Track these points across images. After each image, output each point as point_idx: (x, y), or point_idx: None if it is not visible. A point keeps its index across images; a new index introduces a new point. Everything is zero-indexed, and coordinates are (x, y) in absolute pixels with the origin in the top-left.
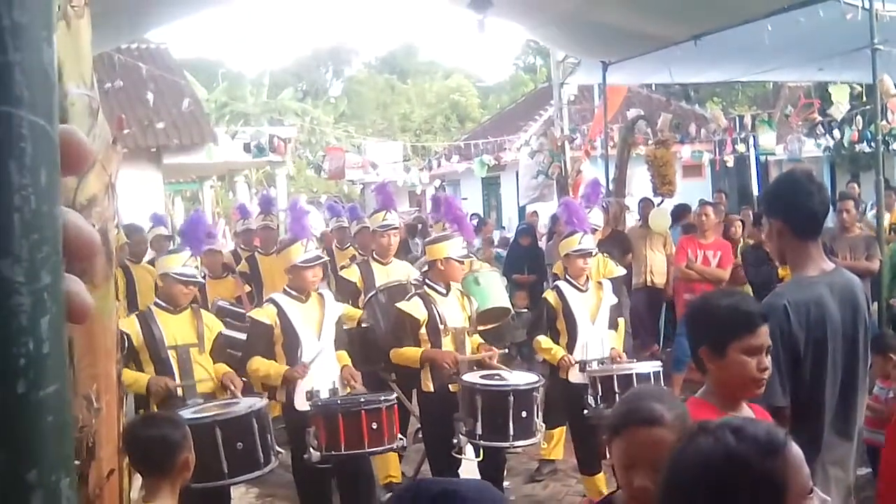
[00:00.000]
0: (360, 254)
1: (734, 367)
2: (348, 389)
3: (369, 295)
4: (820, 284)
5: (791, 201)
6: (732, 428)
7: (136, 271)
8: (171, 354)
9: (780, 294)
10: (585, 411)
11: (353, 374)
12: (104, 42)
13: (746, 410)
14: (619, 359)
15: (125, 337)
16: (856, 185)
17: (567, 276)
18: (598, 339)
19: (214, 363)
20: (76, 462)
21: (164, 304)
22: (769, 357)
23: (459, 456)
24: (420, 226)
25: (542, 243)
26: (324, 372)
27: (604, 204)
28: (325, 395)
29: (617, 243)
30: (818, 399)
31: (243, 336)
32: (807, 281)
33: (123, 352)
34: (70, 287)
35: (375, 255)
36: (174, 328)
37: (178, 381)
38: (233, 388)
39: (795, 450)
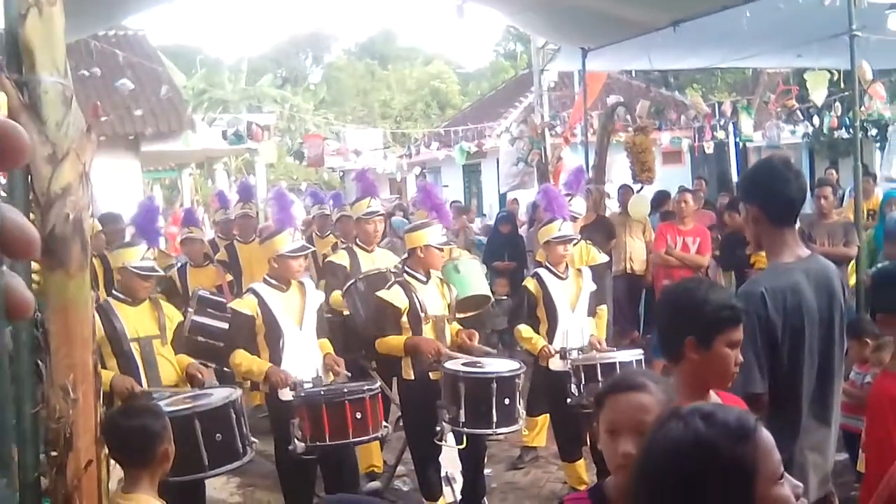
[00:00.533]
0: (341, 241)
1: (718, 360)
2: (332, 377)
3: (348, 284)
4: (796, 271)
5: (768, 188)
6: (703, 414)
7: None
8: (134, 347)
9: (756, 281)
10: (568, 399)
11: (336, 360)
12: (80, 29)
13: (714, 398)
14: (598, 346)
15: None
16: (833, 172)
17: (547, 264)
18: (578, 326)
19: (176, 354)
20: (53, 453)
21: (122, 296)
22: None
23: (441, 443)
24: (401, 213)
25: (524, 230)
26: (306, 360)
27: (586, 191)
28: (308, 383)
29: (601, 228)
30: (796, 385)
31: (223, 325)
32: (783, 267)
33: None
34: (8, 283)
35: (359, 243)
36: (135, 320)
37: (142, 373)
38: (200, 377)
39: (765, 435)
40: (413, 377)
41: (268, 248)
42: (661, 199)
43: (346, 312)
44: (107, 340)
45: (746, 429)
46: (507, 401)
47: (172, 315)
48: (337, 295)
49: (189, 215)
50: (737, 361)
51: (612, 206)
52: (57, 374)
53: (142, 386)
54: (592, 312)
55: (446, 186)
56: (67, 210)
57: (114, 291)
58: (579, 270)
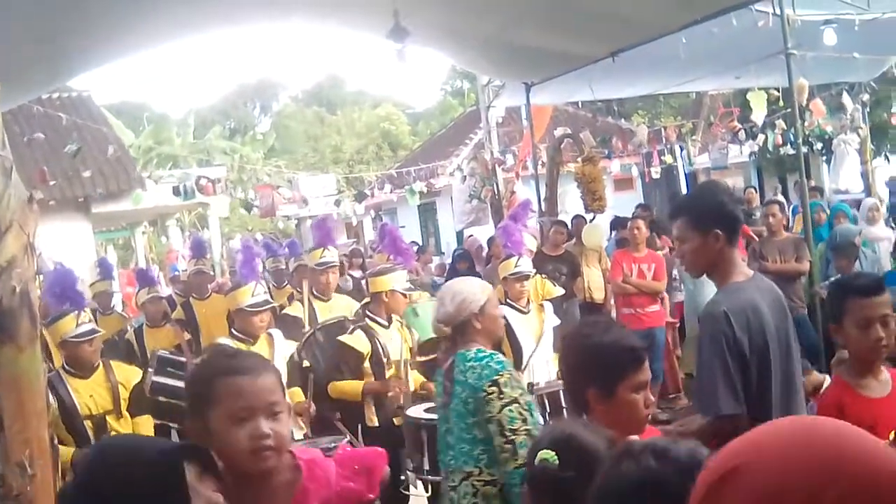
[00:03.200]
0: (297, 292)
1: (625, 407)
2: (301, 427)
3: (307, 335)
4: (750, 289)
5: (725, 211)
6: (655, 450)
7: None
8: (87, 425)
9: (716, 302)
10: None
11: (301, 410)
12: (23, 94)
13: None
14: None
15: None
16: (753, 191)
17: (508, 300)
18: (543, 360)
19: (133, 417)
20: None
21: (72, 369)
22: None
23: (407, 492)
24: (355, 259)
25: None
26: None
27: (539, 223)
28: None
29: (567, 263)
30: (766, 405)
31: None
32: (736, 286)
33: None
34: None
35: (315, 293)
36: (87, 394)
37: None
38: None
39: None
40: (377, 424)
41: (230, 301)
42: (619, 225)
43: (305, 364)
44: (59, 417)
45: (700, 464)
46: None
47: (127, 377)
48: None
49: (143, 275)
50: (647, 403)
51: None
52: (12, 451)
53: None
54: (558, 346)
55: (403, 227)
56: (13, 283)
57: (63, 364)
58: (541, 305)
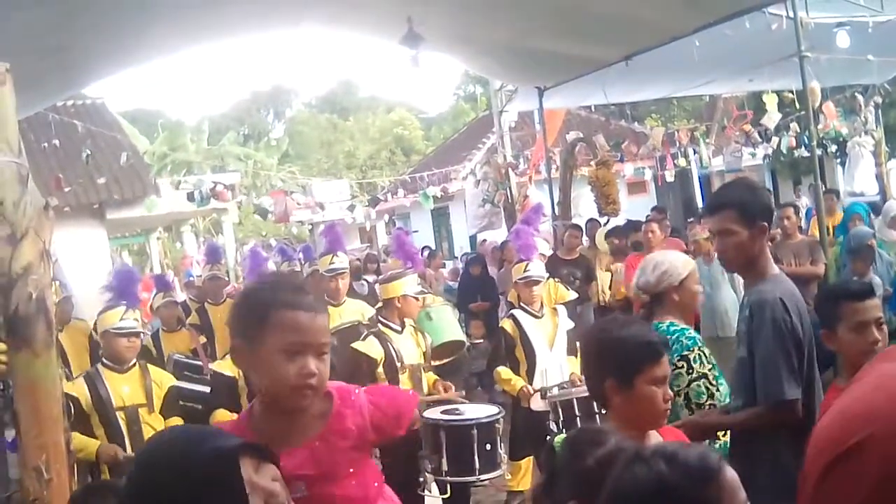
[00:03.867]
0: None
1: (642, 400)
2: None
3: None
4: (788, 280)
5: (769, 205)
6: (666, 455)
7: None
8: (120, 416)
9: (767, 290)
10: (548, 437)
11: None
12: (38, 101)
13: (655, 438)
14: (578, 383)
15: (74, 401)
16: (800, 188)
17: (521, 304)
18: (556, 364)
19: (166, 419)
20: None
21: (109, 363)
22: (669, 387)
23: (424, 493)
24: (370, 264)
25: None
26: None
27: (553, 227)
28: None
29: (581, 267)
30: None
31: (202, 388)
32: (780, 277)
33: (71, 417)
34: None
35: (327, 298)
36: (122, 388)
37: (127, 442)
38: None
39: (730, 475)
40: None
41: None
42: (631, 229)
43: None
44: (94, 410)
45: (710, 470)
46: (488, 446)
47: (162, 380)
48: None
49: (160, 280)
50: (665, 398)
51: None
52: (29, 456)
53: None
54: (572, 350)
55: (416, 232)
56: (30, 289)
57: (103, 359)
58: (555, 309)
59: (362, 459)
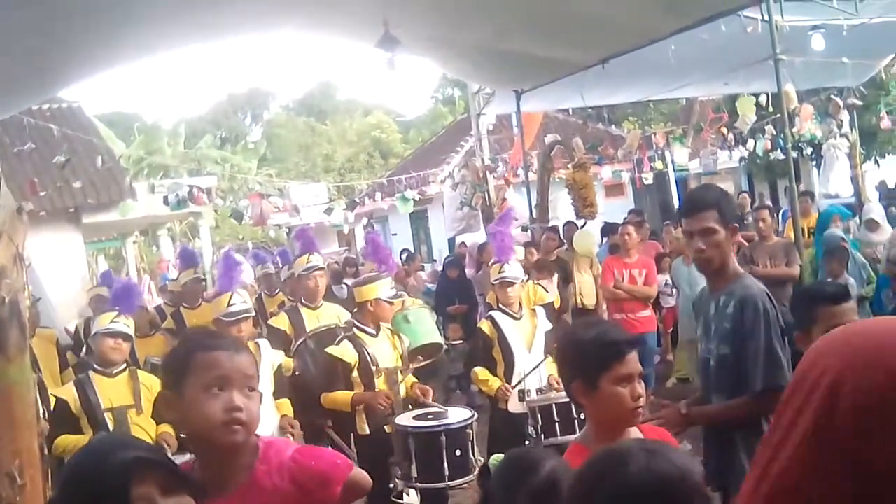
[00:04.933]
0: (289, 299)
1: (609, 399)
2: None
3: (298, 343)
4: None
5: (736, 209)
6: (647, 449)
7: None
8: (108, 417)
9: (751, 286)
10: (526, 441)
11: (291, 423)
12: (13, 105)
13: (634, 434)
14: (557, 385)
15: (63, 404)
16: (746, 195)
17: (500, 305)
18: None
19: (157, 424)
20: None
21: (99, 367)
22: (642, 384)
23: (399, 501)
24: (349, 268)
25: (471, 273)
26: (262, 423)
27: (530, 230)
28: None
29: (559, 270)
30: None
31: None
32: (750, 276)
33: (48, 422)
34: None
35: (304, 301)
36: (110, 391)
37: None
38: (166, 447)
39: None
40: (368, 432)
41: (210, 311)
42: (610, 231)
43: (294, 372)
44: (83, 412)
45: (691, 466)
46: (458, 452)
47: (152, 385)
48: (284, 360)
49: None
50: (634, 396)
51: None
52: (2, 461)
53: None
54: (550, 351)
55: (395, 235)
56: (3, 293)
57: (93, 364)
58: (534, 310)
59: None
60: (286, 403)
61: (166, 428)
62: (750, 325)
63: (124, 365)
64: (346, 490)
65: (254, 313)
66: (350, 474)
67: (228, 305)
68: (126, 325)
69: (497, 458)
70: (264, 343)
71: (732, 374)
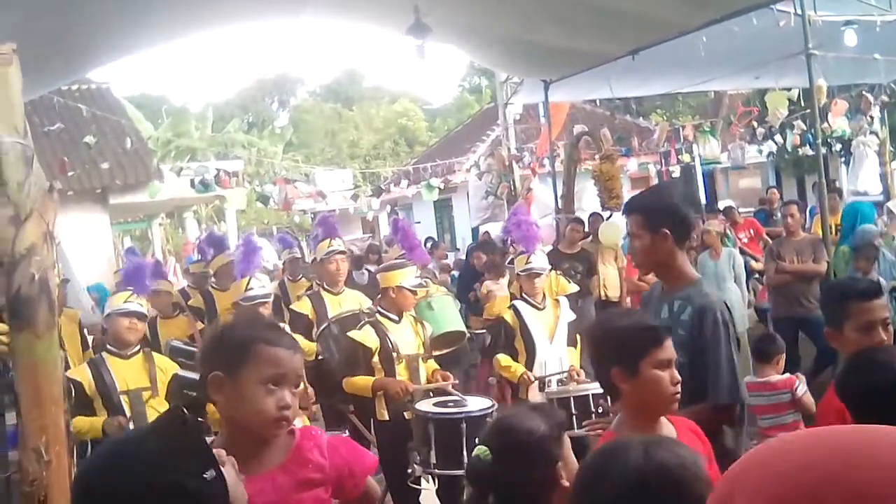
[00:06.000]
0: (316, 283)
1: (649, 384)
2: (302, 417)
3: (322, 327)
4: (707, 285)
5: (677, 213)
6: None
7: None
8: (124, 399)
9: (707, 294)
10: None
11: (301, 397)
12: (43, 85)
13: (666, 426)
14: (576, 376)
15: (77, 385)
16: (776, 191)
17: (523, 295)
18: (556, 357)
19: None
20: None
21: (114, 349)
22: (675, 369)
23: (417, 486)
24: (372, 254)
25: None
26: None
27: (555, 220)
28: None
29: (583, 261)
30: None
31: (196, 375)
32: (704, 283)
33: (71, 400)
34: None
35: (326, 286)
36: (125, 373)
37: (130, 425)
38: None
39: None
40: (388, 418)
41: (231, 295)
42: None
43: (317, 357)
44: (97, 394)
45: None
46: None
47: (166, 367)
48: (305, 343)
49: (156, 268)
50: (673, 381)
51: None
52: (29, 437)
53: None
54: (572, 342)
55: (418, 223)
56: (33, 270)
57: (107, 346)
58: (557, 300)
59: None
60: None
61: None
62: (710, 335)
63: (139, 346)
64: (366, 488)
65: (271, 297)
66: (371, 474)
67: (247, 289)
68: (140, 304)
69: (482, 449)
70: (285, 328)
71: (688, 384)
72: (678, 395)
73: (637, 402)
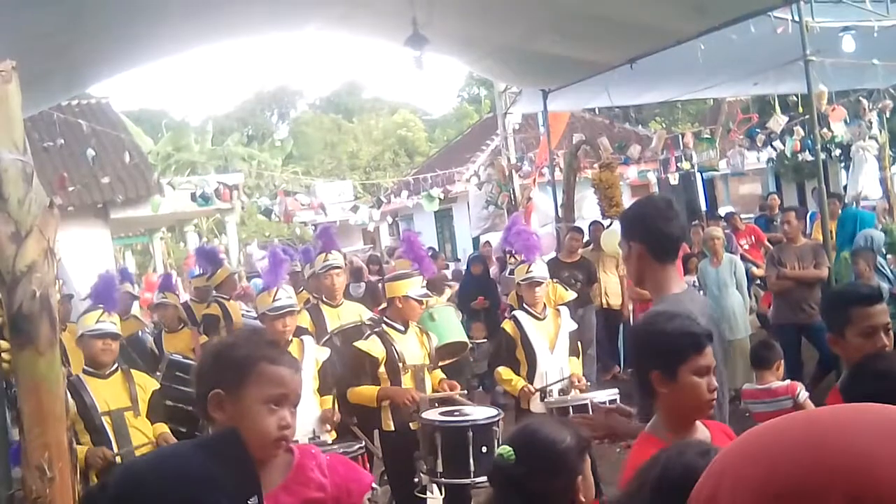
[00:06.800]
0: (314, 297)
1: (686, 390)
2: (330, 433)
3: (323, 340)
4: (685, 301)
5: (649, 226)
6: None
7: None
8: (106, 421)
9: (655, 311)
10: None
11: (327, 417)
12: (42, 100)
13: (702, 430)
14: (578, 384)
15: None
16: (776, 197)
17: (524, 305)
18: (557, 367)
19: (152, 423)
20: None
21: (91, 369)
22: (714, 375)
23: (423, 496)
24: (373, 265)
25: (494, 272)
26: (302, 418)
27: (556, 229)
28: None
29: (583, 269)
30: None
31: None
32: (674, 298)
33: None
34: None
35: (324, 299)
36: (105, 393)
37: (115, 447)
38: None
39: None
40: (394, 428)
41: (257, 306)
42: None
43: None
44: (79, 417)
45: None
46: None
47: (146, 384)
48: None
49: (166, 281)
50: (710, 388)
51: None
52: (32, 454)
53: (115, 462)
54: (574, 351)
55: (419, 233)
56: (34, 287)
57: (84, 367)
58: (558, 310)
59: None
60: (329, 399)
61: (164, 428)
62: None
63: (116, 365)
64: None
65: (298, 308)
66: (367, 493)
67: (274, 300)
68: (112, 322)
69: (506, 449)
70: (308, 339)
71: None
72: (714, 402)
73: (673, 407)
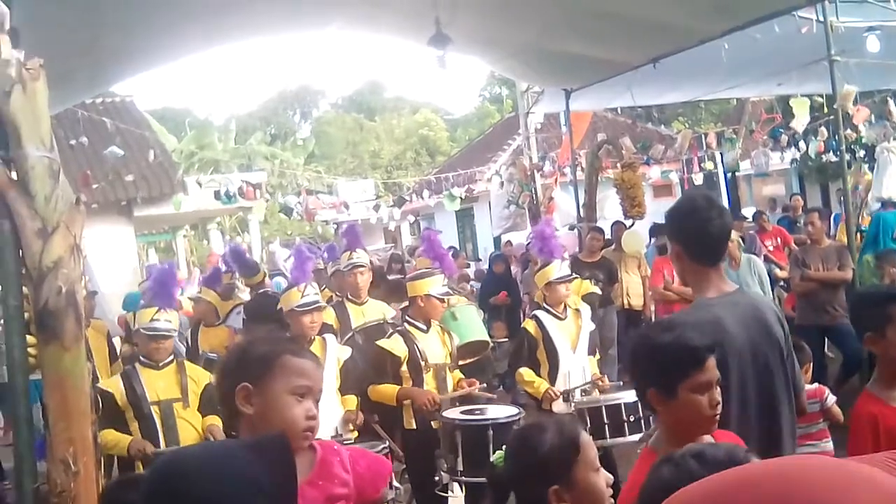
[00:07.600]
0: (336, 295)
1: (686, 408)
2: (353, 432)
3: (346, 338)
4: (717, 306)
5: (687, 226)
6: (693, 454)
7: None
8: (154, 410)
9: (677, 317)
10: None
11: (351, 418)
12: (67, 98)
13: (707, 439)
14: (601, 383)
15: (108, 396)
16: (799, 198)
17: (545, 305)
18: (579, 367)
19: (203, 416)
20: None
21: (145, 360)
22: (718, 388)
23: (444, 494)
24: (395, 264)
25: (516, 271)
26: (324, 417)
27: (577, 229)
28: None
29: (604, 269)
30: (725, 418)
31: None
32: (705, 303)
33: (98, 412)
34: None
35: (349, 296)
36: (157, 384)
37: (161, 436)
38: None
39: None
40: (415, 427)
41: (283, 303)
42: (658, 231)
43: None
44: (129, 405)
45: (738, 462)
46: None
47: (199, 377)
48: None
49: (214, 274)
50: (712, 403)
51: None
52: (57, 448)
53: (160, 448)
54: (594, 351)
55: (440, 232)
56: (60, 283)
57: (140, 357)
58: (577, 310)
59: None
60: (353, 399)
61: (214, 420)
62: None
63: (171, 357)
64: (381, 496)
65: (324, 305)
66: (389, 476)
67: (302, 296)
68: (167, 320)
69: (499, 454)
70: (331, 338)
71: None
72: (717, 417)
73: (674, 424)
